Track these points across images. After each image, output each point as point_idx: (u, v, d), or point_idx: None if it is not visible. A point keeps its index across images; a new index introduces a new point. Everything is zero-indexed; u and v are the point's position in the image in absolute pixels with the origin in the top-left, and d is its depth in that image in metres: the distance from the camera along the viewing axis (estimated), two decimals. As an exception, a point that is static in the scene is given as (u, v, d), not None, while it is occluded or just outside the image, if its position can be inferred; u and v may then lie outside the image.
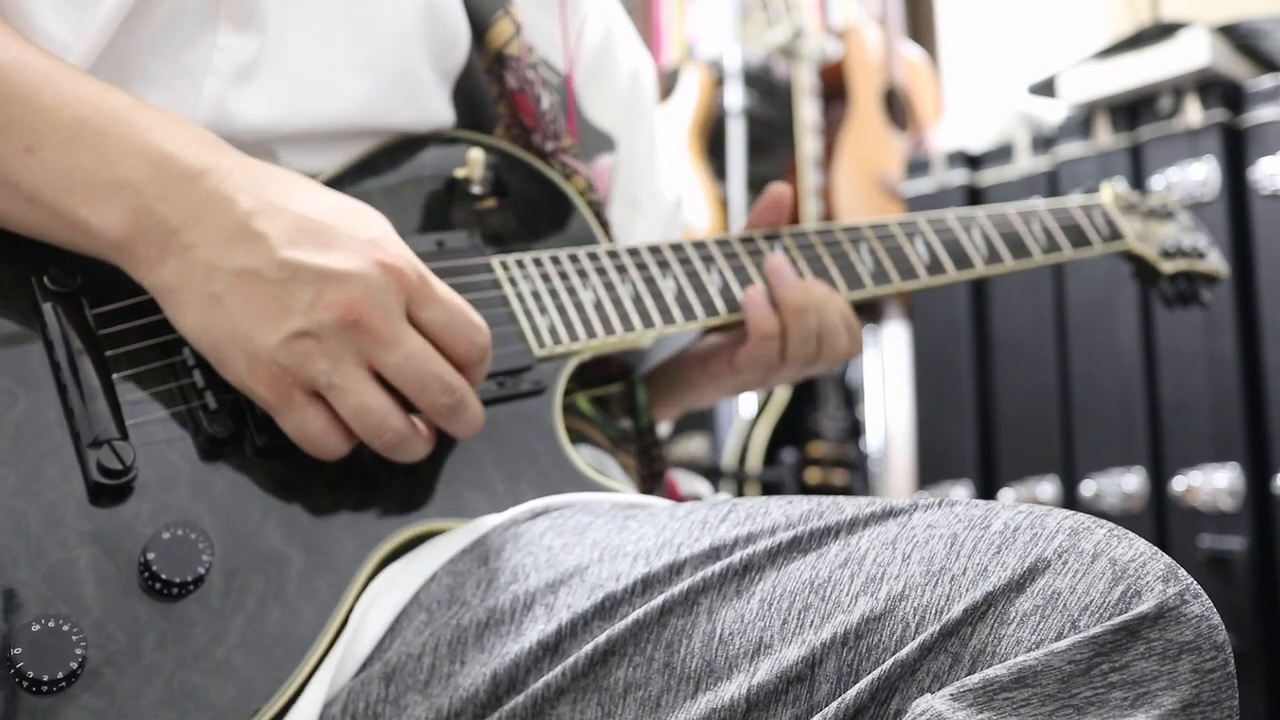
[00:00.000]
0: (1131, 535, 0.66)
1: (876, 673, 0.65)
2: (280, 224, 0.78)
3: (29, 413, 0.77)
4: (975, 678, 0.62)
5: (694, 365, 1.17)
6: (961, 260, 1.14)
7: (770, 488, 2.67)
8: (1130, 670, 0.61)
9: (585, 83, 1.19)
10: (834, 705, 0.65)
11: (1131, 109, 1.95)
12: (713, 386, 1.17)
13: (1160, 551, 0.65)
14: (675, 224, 1.31)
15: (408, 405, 0.82)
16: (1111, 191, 1.29)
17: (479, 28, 1.02)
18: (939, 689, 0.63)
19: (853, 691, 0.65)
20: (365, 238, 0.80)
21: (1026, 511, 0.69)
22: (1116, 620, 0.62)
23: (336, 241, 0.79)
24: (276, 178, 0.81)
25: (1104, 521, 0.67)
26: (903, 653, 0.64)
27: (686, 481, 2.49)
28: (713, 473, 2.71)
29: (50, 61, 0.81)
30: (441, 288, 0.82)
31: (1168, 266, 1.30)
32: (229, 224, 0.78)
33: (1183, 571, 0.65)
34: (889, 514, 0.72)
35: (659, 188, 1.28)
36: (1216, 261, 1.35)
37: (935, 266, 1.13)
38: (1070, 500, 1.93)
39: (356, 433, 0.81)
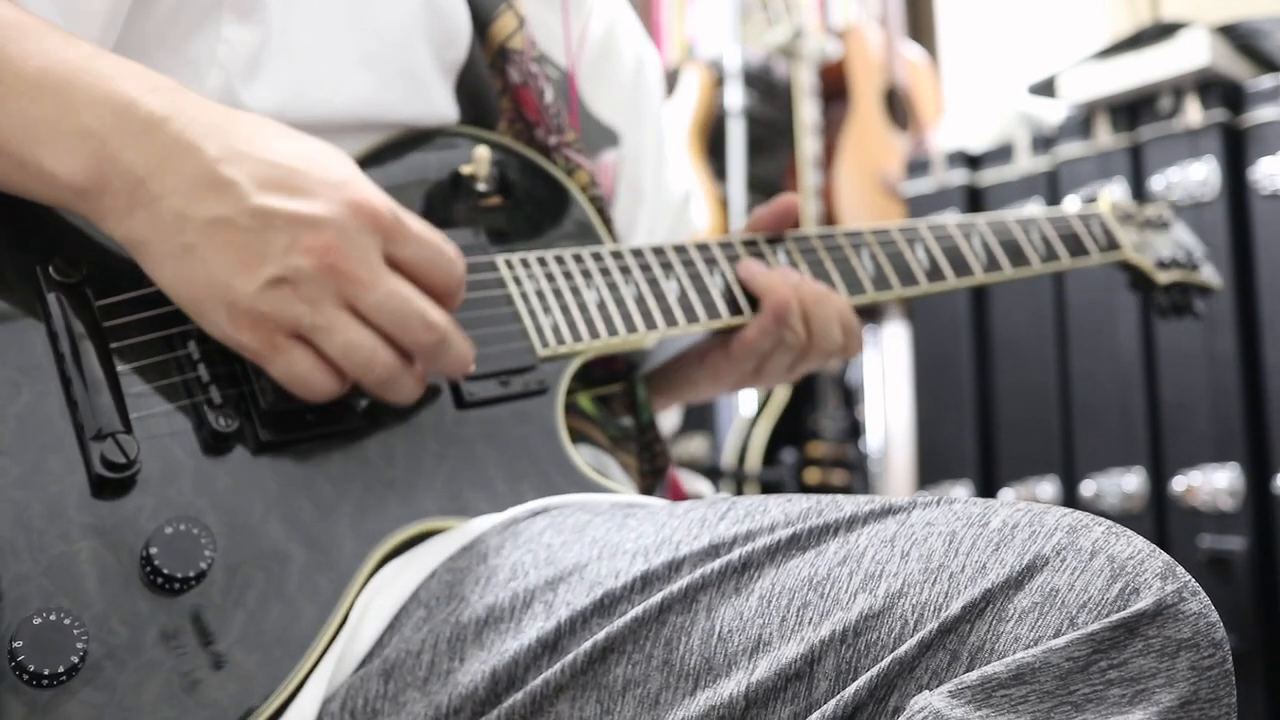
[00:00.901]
0: (1130, 533, 0.67)
1: (875, 670, 0.65)
2: (248, 170, 0.78)
3: (32, 404, 0.77)
4: (974, 675, 0.62)
5: (693, 361, 1.17)
6: (961, 267, 1.15)
7: (770, 488, 2.67)
8: (1128, 667, 0.62)
9: (589, 76, 1.19)
10: (832, 702, 0.65)
11: (1131, 109, 1.95)
12: (711, 382, 1.17)
13: (1158, 549, 0.66)
14: (683, 220, 1.31)
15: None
16: (1109, 201, 1.30)
17: (481, 22, 1.02)
18: (937, 686, 0.63)
19: (851, 689, 0.65)
20: (335, 179, 0.80)
21: (1025, 509, 0.69)
22: (1115, 617, 0.62)
23: (307, 185, 0.78)
24: (240, 122, 0.81)
25: (1102, 519, 0.68)
26: (901, 650, 0.65)
27: (689, 481, 2.49)
28: (712, 472, 2.71)
29: (16, 14, 0.80)
30: (415, 222, 0.82)
31: (1163, 277, 1.31)
32: (196, 172, 0.78)
33: (1181, 569, 0.65)
34: (888, 512, 0.72)
35: (666, 183, 1.28)
36: (1210, 274, 1.36)
37: (935, 273, 1.14)
38: (1070, 500, 1.93)
39: (346, 370, 0.80)
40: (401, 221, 0.81)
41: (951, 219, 1.17)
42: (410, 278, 0.81)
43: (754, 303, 1.05)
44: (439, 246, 0.82)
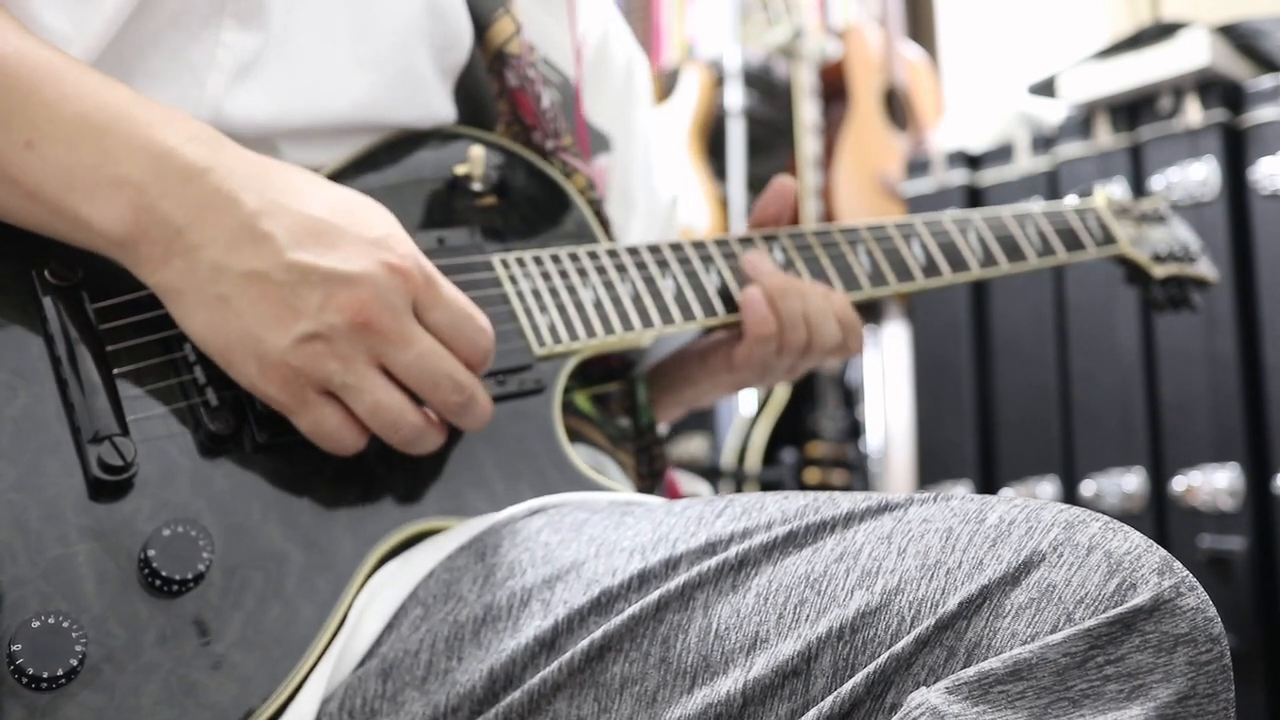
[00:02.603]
0: (1127, 528, 0.67)
1: (872, 666, 0.65)
2: (286, 224, 0.79)
3: (29, 407, 0.77)
4: (971, 671, 0.62)
5: (694, 362, 1.17)
6: (957, 263, 1.15)
7: (769, 488, 2.67)
8: (1126, 663, 0.62)
9: (584, 83, 1.19)
10: (830, 699, 0.65)
11: (1131, 109, 1.95)
12: (711, 384, 1.17)
13: (1155, 544, 0.65)
14: (671, 223, 1.32)
15: (416, 399, 0.83)
16: (1105, 196, 1.30)
17: (480, 25, 1.02)
18: (934, 682, 0.63)
19: (848, 685, 0.65)
20: (372, 237, 0.80)
21: (1021, 505, 0.69)
22: (1112, 613, 0.62)
23: (343, 241, 0.79)
24: (280, 174, 0.81)
25: (1099, 515, 0.67)
26: (898, 646, 0.64)
27: (687, 483, 2.49)
28: (712, 472, 2.71)
29: (51, 55, 0.81)
30: (448, 288, 0.83)
31: (1159, 271, 1.31)
32: (234, 224, 0.78)
33: (1178, 564, 0.65)
34: (884, 509, 0.72)
35: (654, 186, 1.29)
36: (1206, 267, 1.36)
37: (931, 269, 1.14)
38: (1070, 500, 1.93)
39: (373, 429, 0.81)
40: (434, 284, 0.82)
41: (947, 215, 1.17)
42: (438, 341, 0.82)
43: None
44: (469, 316, 0.83)
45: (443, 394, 0.82)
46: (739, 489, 2.68)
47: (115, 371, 0.80)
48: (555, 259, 0.97)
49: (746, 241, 1.08)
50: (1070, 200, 1.31)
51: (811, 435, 2.74)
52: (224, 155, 0.80)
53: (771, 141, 2.98)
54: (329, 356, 0.78)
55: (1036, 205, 1.25)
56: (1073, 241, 1.22)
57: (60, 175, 0.78)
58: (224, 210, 0.78)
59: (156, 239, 0.78)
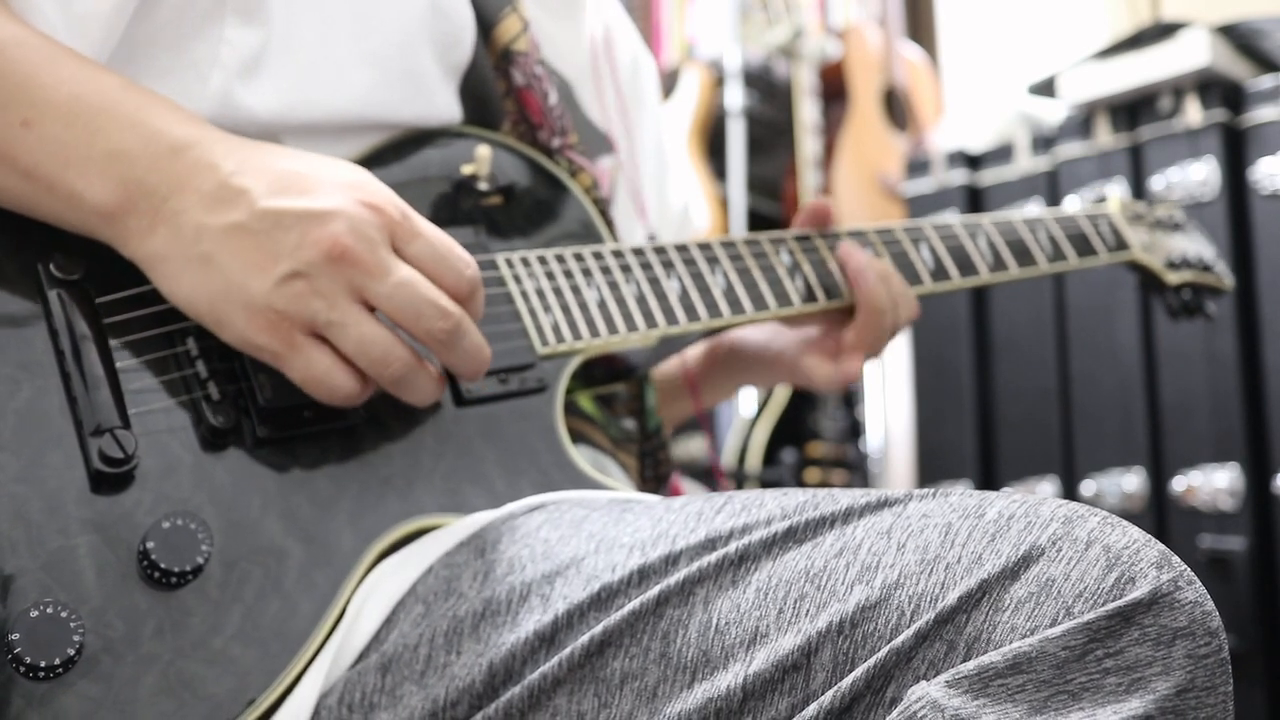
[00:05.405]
0: (1125, 523, 0.67)
1: (872, 661, 0.65)
2: (261, 178, 0.80)
3: (32, 400, 0.77)
4: (970, 664, 0.62)
5: (769, 359, 1.22)
6: (966, 267, 1.14)
7: (769, 488, 2.67)
8: (1125, 656, 0.62)
9: (585, 83, 1.19)
10: (830, 694, 0.65)
11: (1131, 109, 1.95)
12: (770, 375, 1.22)
13: (1153, 539, 0.66)
14: (684, 231, 1.31)
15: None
16: (1118, 201, 1.29)
17: (486, 24, 1.03)
18: (934, 676, 0.63)
19: (849, 680, 0.65)
20: (345, 180, 0.81)
21: (1020, 500, 0.69)
22: (1111, 606, 0.62)
23: (316, 185, 0.80)
24: (260, 145, 0.83)
25: (1097, 510, 0.68)
26: (898, 640, 0.65)
27: (691, 489, 2.49)
28: (712, 473, 2.71)
29: (46, 41, 0.82)
30: (424, 222, 0.83)
31: (1173, 278, 1.30)
32: (212, 185, 0.80)
33: (1176, 558, 0.65)
34: (884, 504, 0.72)
35: (665, 193, 1.28)
36: (1223, 274, 1.35)
37: (940, 272, 1.13)
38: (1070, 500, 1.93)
39: (363, 367, 0.81)
40: (410, 218, 0.82)
41: (957, 219, 1.17)
42: (420, 273, 0.82)
43: (756, 299, 1.05)
44: (449, 246, 0.83)
45: (427, 322, 0.81)
46: (739, 489, 2.68)
47: (118, 365, 0.80)
48: (560, 259, 0.97)
49: (752, 243, 1.08)
50: (1076, 205, 1.30)
51: (811, 435, 2.74)
52: (208, 131, 0.82)
53: (771, 141, 2.98)
54: (311, 295, 0.79)
55: (1048, 210, 1.24)
56: (1084, 247, 1.21)
57: (56, 152, 0.80)
58: (203, 175, 0.80)
59: (144, 210, 0.80)
